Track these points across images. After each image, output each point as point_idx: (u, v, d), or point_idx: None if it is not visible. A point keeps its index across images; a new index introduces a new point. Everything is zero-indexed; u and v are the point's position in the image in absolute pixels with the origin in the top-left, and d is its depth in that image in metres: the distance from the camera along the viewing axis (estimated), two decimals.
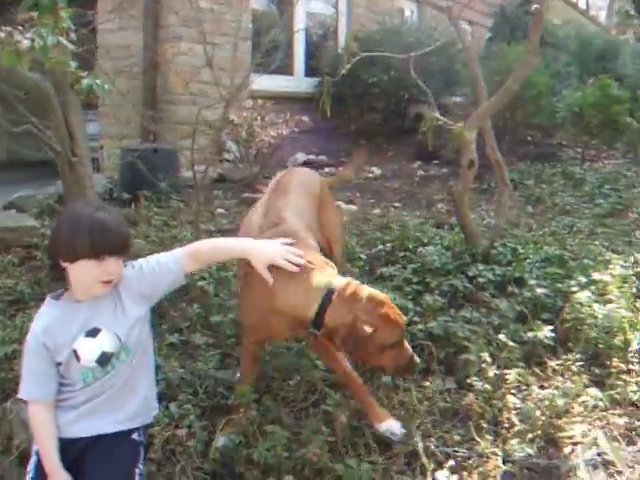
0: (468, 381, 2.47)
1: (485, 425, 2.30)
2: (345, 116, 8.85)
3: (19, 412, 2.30)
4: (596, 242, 4.09)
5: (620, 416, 2.38)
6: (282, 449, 2.08)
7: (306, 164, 7.84)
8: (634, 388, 2.44)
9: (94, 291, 1.93)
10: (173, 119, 7.37)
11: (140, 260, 2.04)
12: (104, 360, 1.92)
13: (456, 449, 2.19)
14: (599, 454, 2.18)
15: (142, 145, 6.65)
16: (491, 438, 2.22)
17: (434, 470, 2.09)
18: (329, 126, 8.23)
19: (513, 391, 2.47)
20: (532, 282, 3.07)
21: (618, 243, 4.27)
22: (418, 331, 2.79)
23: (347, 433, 2.22)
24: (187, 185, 5.74)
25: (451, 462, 2.11)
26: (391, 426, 2.25)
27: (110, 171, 7.05)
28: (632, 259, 3.57)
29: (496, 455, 2.13)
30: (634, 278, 3.32)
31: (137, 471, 1.94)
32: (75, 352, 1.90)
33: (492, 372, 2.46)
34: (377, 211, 5.66)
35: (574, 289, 3.06)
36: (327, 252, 2.61)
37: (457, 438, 2.23)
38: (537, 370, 2.66)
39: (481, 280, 3.29)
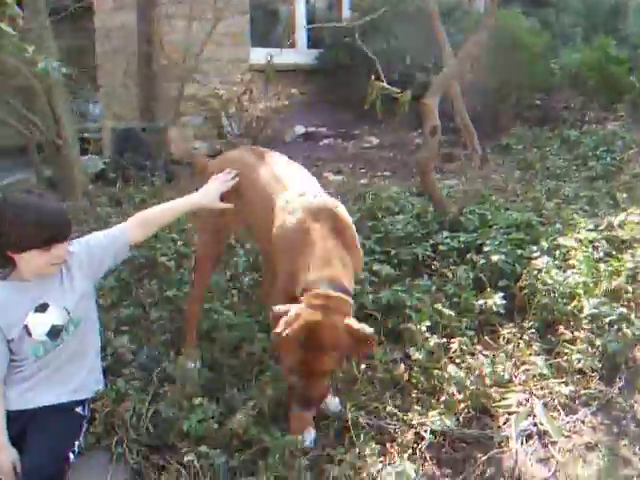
0: (406, 351, 2.41)
1: (421, 395, 2.24)
2: (347, 87, 8.67)
3: None
4: (574, 206, 3.93)
5: (566, 384, 2.30)
6: (214, 421, 2.08)
7: (306, 136, 7.75)
8: (580, 356, 2.35)
9: (43, 272, 2.04)
10: (171, 97, 7.29)
11: (85, 237, 2.18)
12: (54, 333, 2.03)
13: (388, 421, 2.14)
14: (535, 424, 2.11)
15: (129, 124, 6.62)
16: (422, 409, 2.16)
17: (363, 443, 2.04)
18: (332, 98, 8.06)
19: (458, 361, 2.40)
20: (488, 249, 2.96)
21: (603, 206, 4.10)
22: (369, 301, 2.73)
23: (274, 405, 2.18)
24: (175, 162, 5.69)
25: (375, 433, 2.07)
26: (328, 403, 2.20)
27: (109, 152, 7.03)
28: (605, 222, 3.42)
29: (424, 426, 2.07)
30: (604, 242, 3.20)
31: (77, 443, 2.03)
32: (26, 327, 2.01)
33: (433, 342, 2.38)
34: (363, 181, 5.54)
35: (535, 255, 2.96)
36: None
37: (389, 409, 2.17)
38: (488, 339, 2.59)
39: (443, 248, 3.20)
